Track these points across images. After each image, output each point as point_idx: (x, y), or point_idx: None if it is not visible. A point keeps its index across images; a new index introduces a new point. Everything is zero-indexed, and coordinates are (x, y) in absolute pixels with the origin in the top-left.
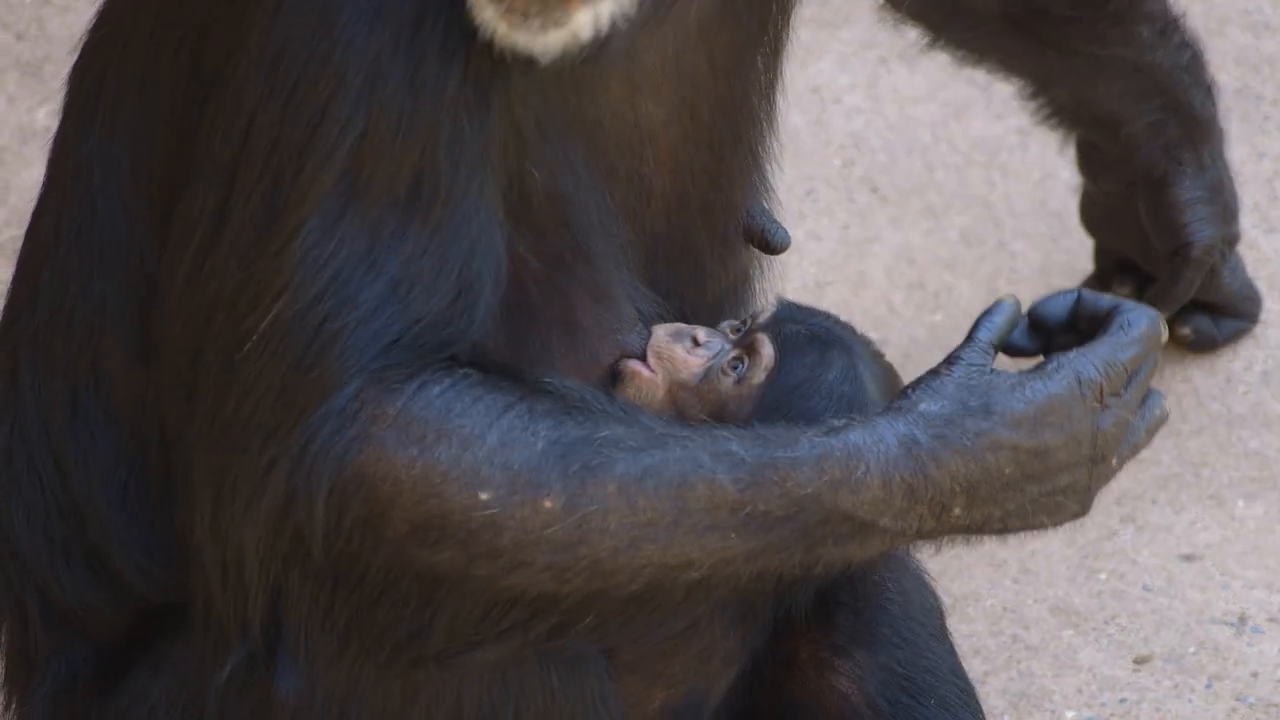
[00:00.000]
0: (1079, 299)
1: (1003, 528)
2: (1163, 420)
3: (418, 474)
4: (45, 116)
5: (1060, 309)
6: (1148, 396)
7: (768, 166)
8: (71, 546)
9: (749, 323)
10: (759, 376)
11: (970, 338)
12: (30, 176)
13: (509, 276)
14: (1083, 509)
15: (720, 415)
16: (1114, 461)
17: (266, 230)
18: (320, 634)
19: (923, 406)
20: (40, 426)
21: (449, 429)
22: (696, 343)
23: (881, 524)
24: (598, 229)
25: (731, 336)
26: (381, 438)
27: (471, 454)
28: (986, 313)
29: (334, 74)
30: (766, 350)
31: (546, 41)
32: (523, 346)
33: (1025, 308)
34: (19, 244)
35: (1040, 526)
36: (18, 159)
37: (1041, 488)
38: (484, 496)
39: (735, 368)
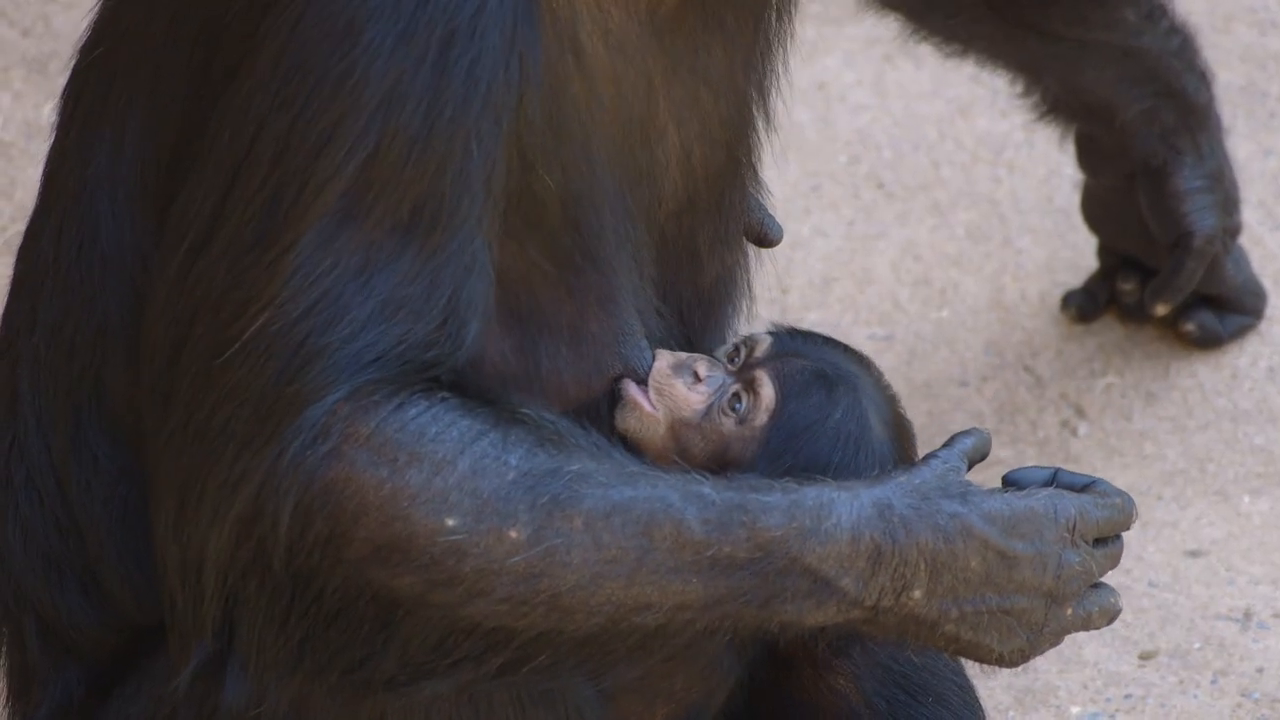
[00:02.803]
0: (1055, 475)
1: (955, 634)
2: (1115, 613)
3: (385, 495)
4: (51, 113)
5: (1035, 481)
6: (1104, 586)
7: (762, 160)
8: (67, 567)
9: (744, 351)
10: (761, 418)
11: (947, 445)
12: (37, 173)
13: (520, 281)
14: (1030, 650)
15: (724, 455)
16: (1069, 611)
17: (262, 239)
18: (273, 647)
19: (902, 479)
20: (41, 445)
21: (421, 452)
22: (698, 378)
23: (842, 585)
24: (610, 232)
25: (731, 369)
26: (352, 456)
27: (441, 479)
28: (963, 432)
29: (351, 92)
30: (766, 391)
31: None
32: (531, 354)
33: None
34: None
35: (988, 653)
36: (24, 155)
37: (1001, 601)
38: (450, 522)
39: (735, 407)
